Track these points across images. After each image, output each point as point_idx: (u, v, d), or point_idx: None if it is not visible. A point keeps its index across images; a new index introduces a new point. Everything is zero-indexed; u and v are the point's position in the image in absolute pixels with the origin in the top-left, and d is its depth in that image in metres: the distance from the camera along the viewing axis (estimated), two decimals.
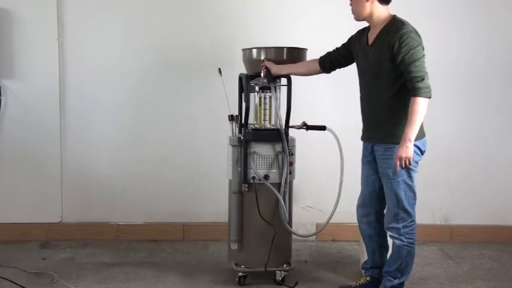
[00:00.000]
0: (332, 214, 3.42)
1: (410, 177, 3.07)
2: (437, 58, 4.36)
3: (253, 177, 3.36)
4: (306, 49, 3.49)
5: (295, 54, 3.51)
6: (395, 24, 3.05)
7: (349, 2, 3.18)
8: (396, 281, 3.15)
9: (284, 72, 3.39)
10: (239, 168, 3.40)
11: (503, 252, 4.22)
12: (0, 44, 4.16)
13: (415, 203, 3.14)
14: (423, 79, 2.90)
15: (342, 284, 3.48)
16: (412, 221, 3.13)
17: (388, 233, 3.18)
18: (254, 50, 3.48)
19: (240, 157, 3.39)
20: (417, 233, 4.33)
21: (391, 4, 3.15)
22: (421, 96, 2.89)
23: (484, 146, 4.45)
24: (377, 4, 3.09)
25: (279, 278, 3.45)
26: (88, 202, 4.35)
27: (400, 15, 4.26)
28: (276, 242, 3.40)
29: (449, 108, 4.43)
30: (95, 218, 4.35)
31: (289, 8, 4.28)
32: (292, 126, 3.46)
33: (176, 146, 4.36)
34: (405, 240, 3.11)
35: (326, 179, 4.01)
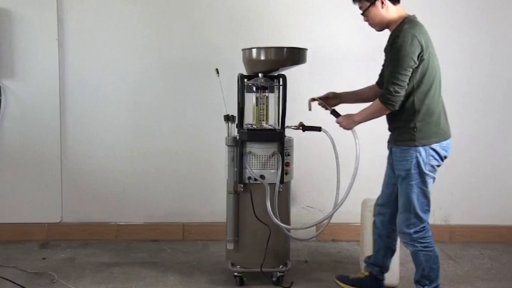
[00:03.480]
0: (330, 216, 3.36)
1: (424, 182, 2.98)
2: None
3: (249, 178, 3.36)
4: (306, 49, 3.48)
5: (295, 54, 3.48)
6: (399, 27, 2.98)
7: (364, 18, 3.08)
8: None
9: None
10: (235, 169, 3.39)
11: (503, 252, 4.21)
12: (0, 44, 4.17)
13: (428, 210, 3.03)
14: (393, 89, 2.91)
15: (341, 274, 3.46)
16: (424, 226, 3.02)
17: (401, 239, 3.12)
18: (254, 50, 3.47)
19: (236, 157, 3.38)
20: None
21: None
22: (382, 102, 2.96)
23: (484, 146, 4.44)
24: (390, 5, 3.01)
25: (275, 278, 3.44)
26: (88, 202, 4.35)
27: None
28: (273, 243, 3.38)
29: (449, 109, 4.42)
30: (95, 218, 4.35)
31: (290, 9, 4.27)
32: (288, 127, 3.44)
33: (176, 146, 4.35)
34: (419, 245, 3.02)
35: (326, 179, 4.00)
